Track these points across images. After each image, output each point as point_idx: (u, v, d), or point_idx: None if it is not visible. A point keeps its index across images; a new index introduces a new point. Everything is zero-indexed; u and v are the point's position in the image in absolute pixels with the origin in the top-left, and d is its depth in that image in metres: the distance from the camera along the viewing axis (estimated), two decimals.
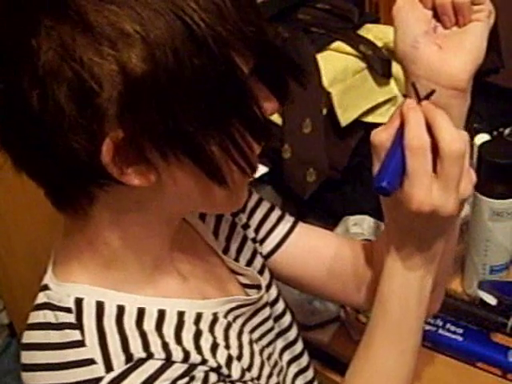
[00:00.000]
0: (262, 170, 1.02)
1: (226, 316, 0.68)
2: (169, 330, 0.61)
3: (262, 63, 0.55)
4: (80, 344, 0.57)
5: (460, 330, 0.99)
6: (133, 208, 0.59)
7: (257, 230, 0.80)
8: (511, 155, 0.94)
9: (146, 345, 0.58)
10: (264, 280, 0.76)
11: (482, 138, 1.15)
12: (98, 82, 0.48)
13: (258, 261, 0.78)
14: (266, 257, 0.80)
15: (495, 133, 1.24)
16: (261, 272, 0.77)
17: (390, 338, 0.66)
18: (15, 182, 0.59)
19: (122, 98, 0.49)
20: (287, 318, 0.81)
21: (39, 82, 0.49)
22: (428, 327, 1.00)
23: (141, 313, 0.60)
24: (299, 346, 0.82)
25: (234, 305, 0.69)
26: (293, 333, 0.81)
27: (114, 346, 0.57)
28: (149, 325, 0.60)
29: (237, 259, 0.76)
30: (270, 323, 0.76)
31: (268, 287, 0.77)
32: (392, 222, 0.65)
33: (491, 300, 1.00)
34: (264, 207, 0.81)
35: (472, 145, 1.15)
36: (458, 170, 0.57)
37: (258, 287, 0.74)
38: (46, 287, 0.62)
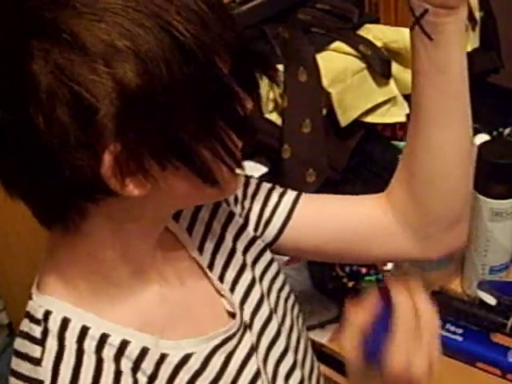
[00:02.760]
0: (261, 170, 1.02)
1: (210, 355, 0.66)
2: (126, 365, 0.60)
3: (238, 64, 0.56)
4: (37, 362, 0.58)
5: (460, 330, 0.99)
6: (126, 217, 0.59)
7: (260, 215, 0.78)
8: (511, 155, 0.94)
9: (97, 373, 0.58)
10: (255, 294, 0.74)
11: (481, 138, 1.15)
12: (96, 100, 0.49)
13: (248, 274, 0.75)
14: (277, 236, 0.78)
15: (495, 133, 1.24)
16: (250, 286, 0.75)
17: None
18: None
19: (120, 113, 0.50)
20: (282, 341, 0.76)
21: (43, 105, 0.50)
22: None
23: (103, 339, 0.60)
24: (299, 372, 0.78)
25: (217, 341, 0.67)
26: (298, 355, 0.78)
27: (64, 376, 0.57)
28: (108, 352, 0.60)
29: (222, 276, 0.74)
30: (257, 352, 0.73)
31: (259, 305, 0.75)
32: None
33: (491, 300, 0.99)
34: (264, 189, 0.80)
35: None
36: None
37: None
38: (30, 296, 0.63)
